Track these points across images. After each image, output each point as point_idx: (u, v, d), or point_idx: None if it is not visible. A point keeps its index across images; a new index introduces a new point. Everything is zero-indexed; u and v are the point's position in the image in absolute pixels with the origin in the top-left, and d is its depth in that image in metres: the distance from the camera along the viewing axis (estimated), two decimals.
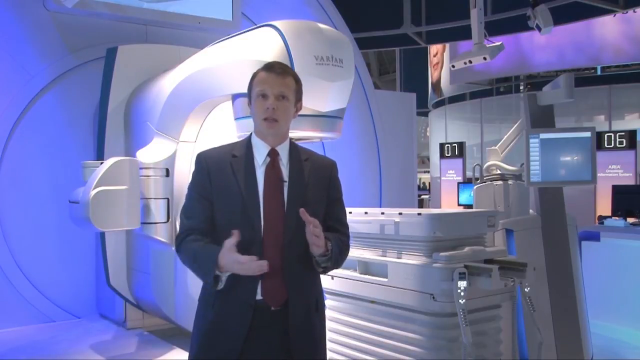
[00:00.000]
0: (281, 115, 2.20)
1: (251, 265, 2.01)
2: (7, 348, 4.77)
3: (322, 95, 3.78)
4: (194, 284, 3.33)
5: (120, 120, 5.37)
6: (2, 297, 5.39)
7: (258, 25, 4.07)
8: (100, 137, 5.38)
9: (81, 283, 5.75)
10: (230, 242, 2.03)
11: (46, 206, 5.58)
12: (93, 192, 4.32)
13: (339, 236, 2.27)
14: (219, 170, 2.18)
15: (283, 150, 2.26)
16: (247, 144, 2.26)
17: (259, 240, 2.13)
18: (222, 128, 4.49)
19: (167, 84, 4.69)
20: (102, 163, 4.62)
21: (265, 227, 2.14)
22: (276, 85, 2.20)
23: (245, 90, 3.85)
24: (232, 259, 2.02)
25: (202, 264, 2.09)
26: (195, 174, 2.24)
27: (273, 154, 2.22)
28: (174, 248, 2.21)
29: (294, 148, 2.30)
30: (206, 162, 2.21)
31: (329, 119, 3.92)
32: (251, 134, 2.29)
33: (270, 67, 2.24)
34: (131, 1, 5.85)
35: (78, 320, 5.66)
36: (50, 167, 5.63)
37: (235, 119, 4.07)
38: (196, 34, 6.19)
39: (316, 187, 2.26)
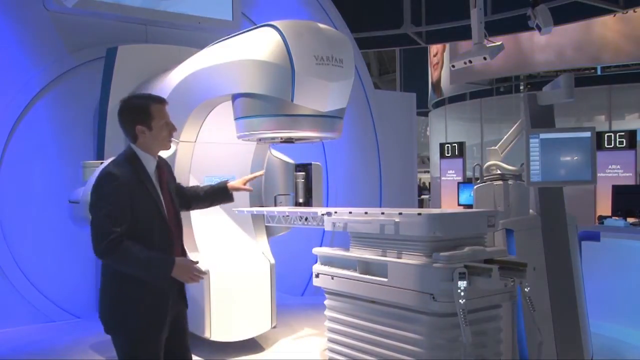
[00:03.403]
0: None
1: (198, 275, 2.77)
2: (7, 348, 4.77)
3: (322, 95, 3.78)
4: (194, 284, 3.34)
5: None
6: (2, 297, 5.39)
7: (258, 25, 4.07)
8: (100, 137, 5.38)
9: (81, 283, 5.75)
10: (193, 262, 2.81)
11: (46, 206, 5.58)
12: None
13: None
14: (134, 184, 2.71)
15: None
16: (134, 159, 2.80)
17: (170, 230, 2.82)
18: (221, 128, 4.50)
19: (167, 84, 4.69)
20: (102, 163, 4.62)
21: (169, 220, 2.84)
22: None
23: (245, 90, 3.93)
24: (188, 266, 2.74)
25: (158, 269, 2.71)
26: (115, 189, 2.67)
27: (159, 164, 2.90)
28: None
29: None
30: (123, 179, 2.69)
31: (329, 119, 3.92)
32: (133, 151, 2.82)
33: (163, 100, 2.91)
34: (131, 1, 5.85)
35: (78, 320, 5.66)
36: (50, 167, 5.63)
37: (236, 119, 4.08)
38: (196, 34, 6.19)
39: (172, 180, 3.08)
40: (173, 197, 2.95)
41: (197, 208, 3.48)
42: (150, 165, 2.84)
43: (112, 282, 2.76)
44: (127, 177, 2.70)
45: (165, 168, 2.99)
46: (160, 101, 2.89)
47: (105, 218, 2.63)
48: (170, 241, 2.81)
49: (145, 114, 2.80)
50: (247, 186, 3.63)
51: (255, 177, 3.75)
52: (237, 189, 3.56)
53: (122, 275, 2.71)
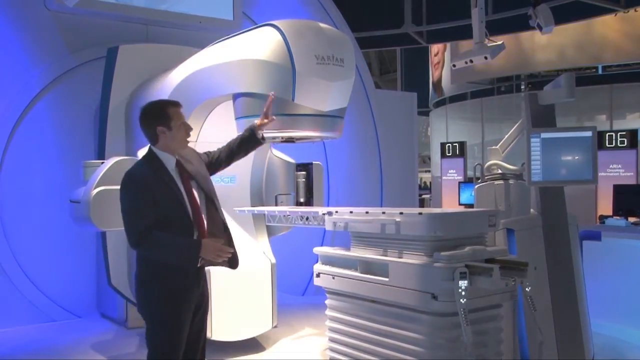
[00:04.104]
0: None
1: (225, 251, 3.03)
2: (8, 347, 4.77)
3: (323, 94, 3.78)
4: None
5: (121, 119, 5.37)
6: (3, 296, 5.39)
7: (259, 24, 4.07)
8: (101, 137, 5.38)
9: (82, 282, 5.75)
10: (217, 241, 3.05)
11: (47, 206, 5.58)
12: (94, 192, 4.33)
13: None
14: (154, 182, 2.96)
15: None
16: (153, 159, 3.05)
17: (190, 221, 3.01)
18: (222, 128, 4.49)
19: (168, 83, 4.69)
20: (103, 163, 4.62)
21: (192, 212, 3.03)
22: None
23: (246, 89, 3.93)
24: (214, 246, 2.97)
25: (186, 253, 2.95)
26: (136, 187, 2.95)
27: (178, 161, 3.11)
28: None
29: None
30: (142, 176, 2.98)
31: (330, 118, 3.92)
32: (153, 152, 3.07)
33: (178, 103, 3.14)
34: (132, 1, 5.85)
35: (79, 320, 5.66)
36: (51, 167, 5.63)
37: (236, 118, 4.08)
38: (197, 33, 6.19)
39: (200, 164, 3.25)
40: (201, 186, 3.13)
41: (236, 160, 3.61)
42: (170, 163, 3.07)
43: (139, 265, 3.03)
44: (146, 175, 2.98)
45: (191, 161, 3.18)
46: (176, 104, 3.14)
47: (130, 215, 2.95)
48: (191, 229, 3.02)
49: (164, 116, 3.06)
50: (270, 117, 3.59)
51: (269, 103, 3.57)
52: (264, 125, 3.56)
53: (147, 261, 2.98)
